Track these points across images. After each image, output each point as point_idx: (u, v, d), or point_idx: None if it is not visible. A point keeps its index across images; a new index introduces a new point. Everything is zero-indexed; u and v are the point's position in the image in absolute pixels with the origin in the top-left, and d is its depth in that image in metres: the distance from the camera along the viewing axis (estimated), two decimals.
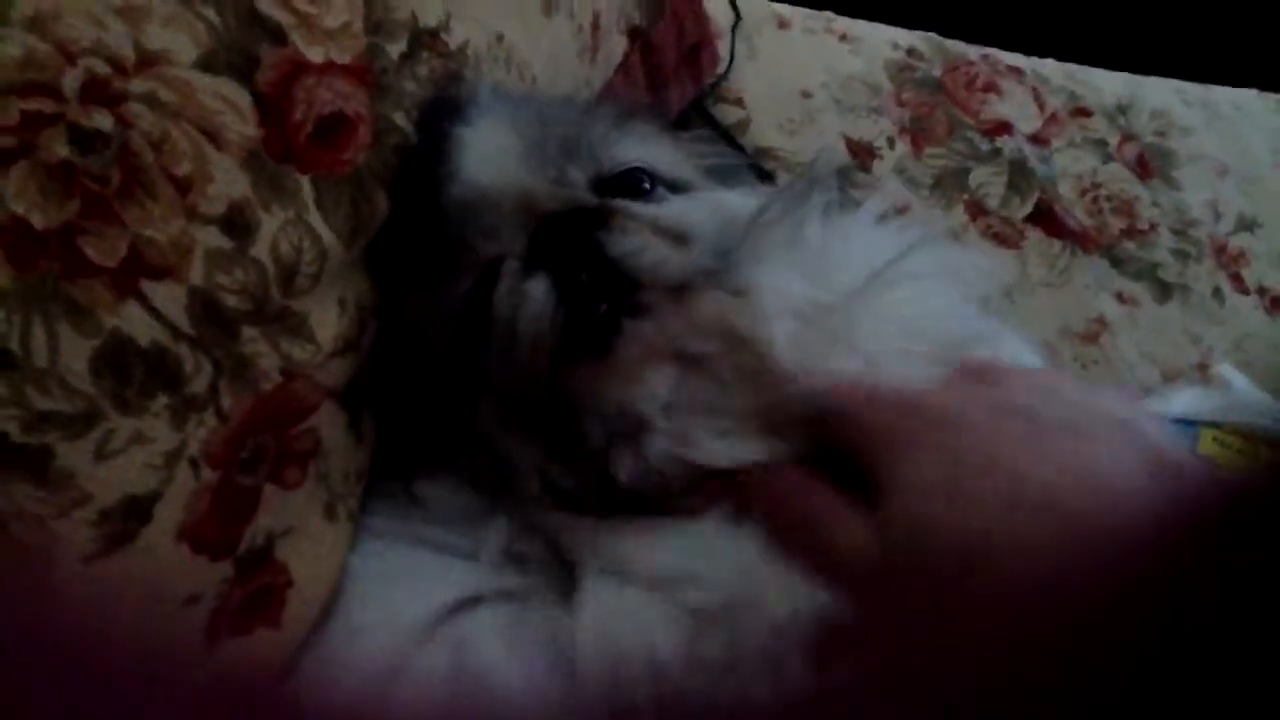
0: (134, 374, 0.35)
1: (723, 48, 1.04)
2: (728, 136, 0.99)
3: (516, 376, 0.45)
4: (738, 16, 1.07)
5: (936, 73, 1.12)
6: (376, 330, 0.47)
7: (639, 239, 0.45)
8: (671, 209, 0.49)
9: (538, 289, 0.44)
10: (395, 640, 0.42)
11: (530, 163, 0.48)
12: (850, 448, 0.43)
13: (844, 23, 1.13)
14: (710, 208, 0.51)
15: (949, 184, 1.07)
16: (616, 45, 0.82)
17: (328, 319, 0.42)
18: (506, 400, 0.46)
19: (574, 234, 0.45)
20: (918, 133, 1.08)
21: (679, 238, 0.46)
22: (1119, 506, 0.37)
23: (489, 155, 0.48)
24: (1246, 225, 1.16)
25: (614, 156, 0.51)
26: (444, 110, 0.49)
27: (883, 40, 1.13)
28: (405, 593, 0.45)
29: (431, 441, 0.49)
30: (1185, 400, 0.79)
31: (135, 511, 0.35)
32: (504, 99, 0.51)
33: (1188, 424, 0.72)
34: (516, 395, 0.45)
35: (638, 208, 0.48)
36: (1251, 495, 0.25)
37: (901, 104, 1.09)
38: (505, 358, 0.45)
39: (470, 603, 0.44)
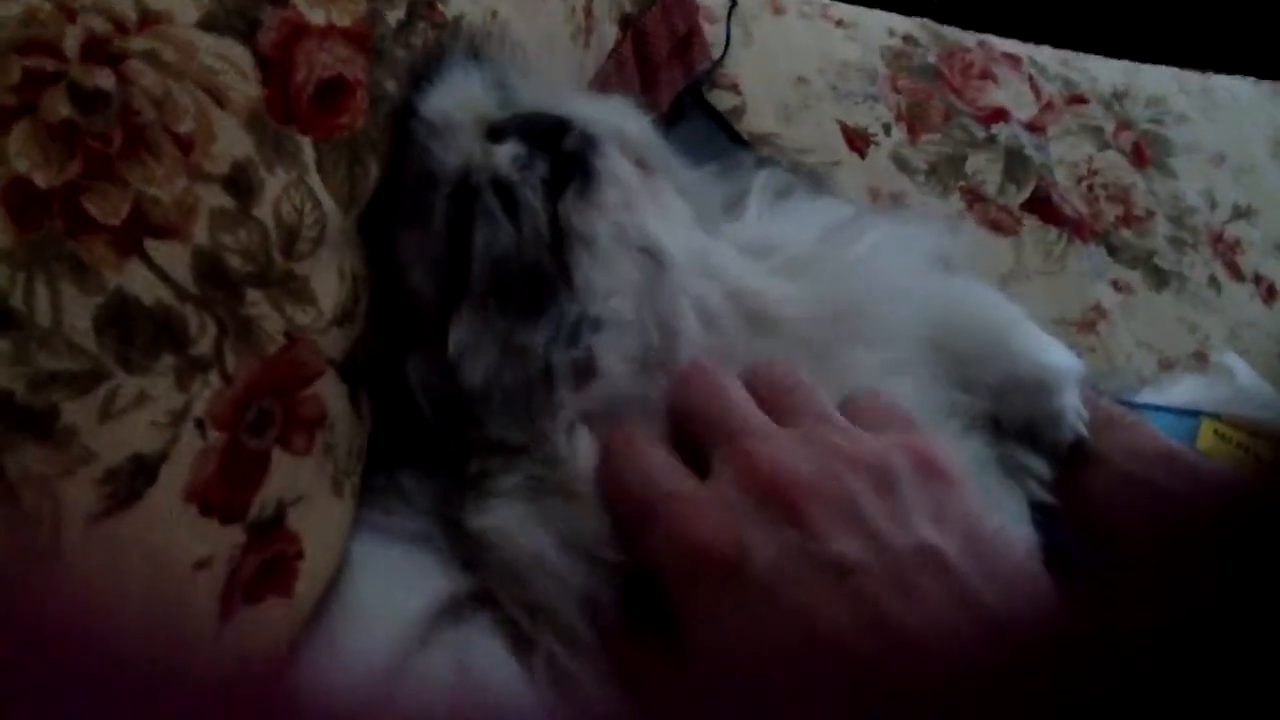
0: (138, 333, 0.35)
1: (718, 33, 1.03)
2: (724, 123, 0.99)
3: (517, 234, 0.46)
4: (733, 2, 1.06)
5: (932, 59, 1.12)
6: (369, 303, 0.47)
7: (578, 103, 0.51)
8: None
9: (510, 152, 0.47)
10: (391, 638, 0.42)
11: (483, 96, 0.51)
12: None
13: (840, 8, 1.13)
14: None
15: (945, 171, 1.07)
16: (609, 31, 0.82)
17: (329, 285, 0.42)
18: (509, 282, 0.46)
19: (521, 115, 0.49)
20: (914, 119, 1.08)
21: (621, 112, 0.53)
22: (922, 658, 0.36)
23: (452, 92, 0.49)
24: (1243, 214, 1.16)
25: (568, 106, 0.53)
26: (423, 74, 0.50)
27: (879, 26, 1.13)
28: (397, 588, 0.44)
29: (414, 417, 0.48)
30: (1184, 389, 0.79)
31: (141, 471, 0.35)
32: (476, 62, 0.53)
33: (1188, 415, 0.71)
34: (515, 258, 0.46)
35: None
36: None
37: (897, 90, 1.09)
38: (498, 225, 0.46)
39: (463, 601, 0.44)
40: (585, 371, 0.46)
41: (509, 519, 0.44)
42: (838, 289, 0.50)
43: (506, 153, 0.48)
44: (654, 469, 0.42)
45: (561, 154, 0.48)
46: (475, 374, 0.46)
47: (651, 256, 0.48)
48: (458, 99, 0.49)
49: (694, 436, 0.44)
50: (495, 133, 0.49)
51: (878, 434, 0.43)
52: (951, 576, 0.38)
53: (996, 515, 0.43)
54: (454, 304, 0.47)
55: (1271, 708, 0.20)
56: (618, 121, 0.52)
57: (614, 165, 0.49)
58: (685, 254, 0.48)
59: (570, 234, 0.47)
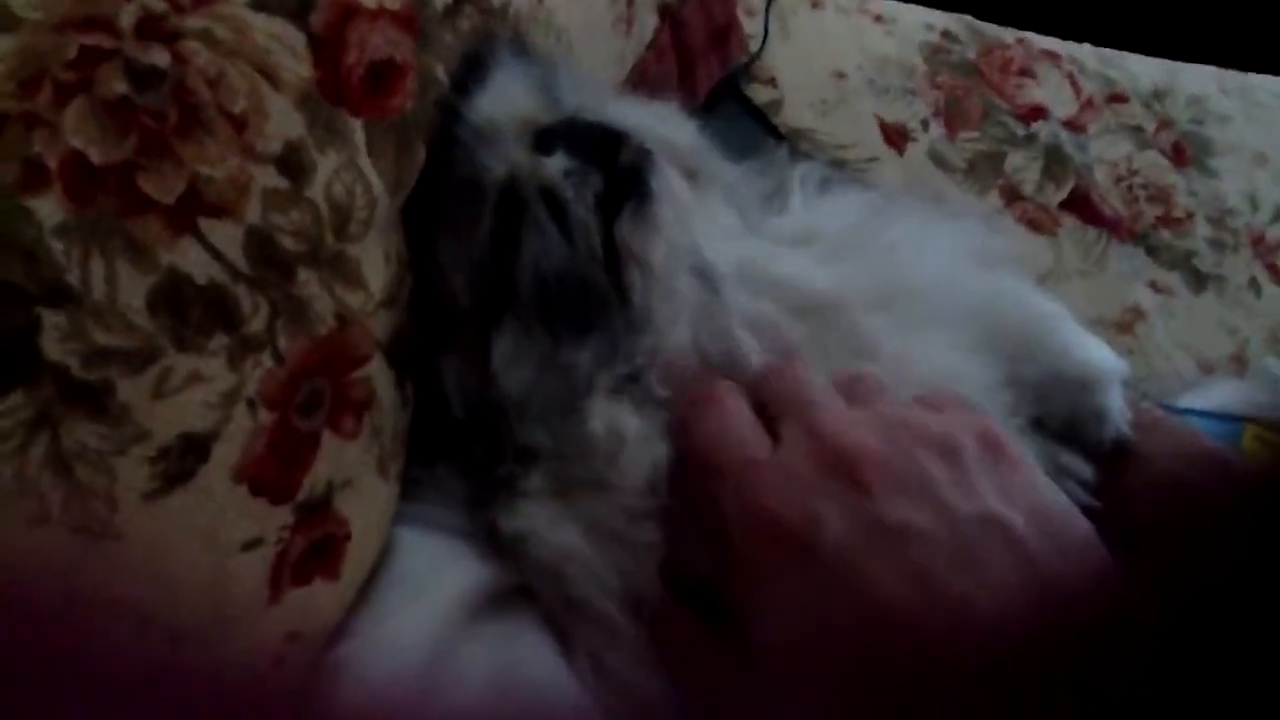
0: (192, 312, 0.35)
1: (756, 26, 1.03)
2: (761, 116, 0.99)
3: (569, 250, 0.45)
4: None
5: (971, 56, 1.11)
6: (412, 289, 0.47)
7: (626, 111, 0.50)
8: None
9: (561, 164, 0.46)
10: (435, 618, 0.42)
11: (526, 98, 0.50)
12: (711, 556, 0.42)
13: (878, 4, 1.12)
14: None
15: (984, 168, 1.06)
16: (649, 21, 0.82)
17: (377, 268, 0.42)
18: (558, 298, 0.45)
19: (569, 122, 0.48)
20: (952, 116, 1.07)
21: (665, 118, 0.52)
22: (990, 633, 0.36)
23: (498, 94, 0.49)
24: None
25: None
26: (467, 73, 0.49)
27: (917, 22, 1.12)
28: (440, 570, 0.44)
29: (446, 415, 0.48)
30: (1224, 392, 0.78)
31: (193, 449, 0.35)
32: (520, 59, 0.52)
33: (1231, 419, 0.70)
34: (565, 275, 0.45)
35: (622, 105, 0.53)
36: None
37: (936, 87, 1.08)
38: (549, 239, 0.45)
39: (505, 595, 0.44)
40: (634, 390, 0.45)
41: (539, 519, 0.44)
42: (882, 268, 0.50)
43: (557, 164, 0.47)
44: (732, 428, 0.43)
45: (616, 169, 0.47)
46: (515, 385, 0.45)
47: (704, 276, 0.47)
48: (503, 102, 0.48)
49: (764, 406, 0.44)
50: (544, 140, 0.48)
51: (944, 415, 0.43)
52: (1018, 547, 0.38)
53: (1059, 493, 0.43)
54: (496, 313, 0.46)
55: None
56: (666, 131, 0.52)
57: (669, 182, 0.48)
58: (736, 266, 0.48)
59: (625, 254, 0.46)
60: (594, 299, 0.45)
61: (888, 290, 0.49)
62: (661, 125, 0.52)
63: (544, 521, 0.43)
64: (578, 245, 0.45)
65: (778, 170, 0.58)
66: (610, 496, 0.44)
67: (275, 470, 0.38)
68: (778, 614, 0.38)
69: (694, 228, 0.48)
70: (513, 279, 0.45)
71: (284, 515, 0.38)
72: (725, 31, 0.98)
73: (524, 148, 0.47)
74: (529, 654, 0.43)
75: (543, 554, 0.43)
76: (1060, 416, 0.53)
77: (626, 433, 0.44)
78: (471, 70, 0.48)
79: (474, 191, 0.47)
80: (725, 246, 0.49)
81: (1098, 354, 0.55)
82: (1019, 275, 0.59)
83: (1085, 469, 0.52)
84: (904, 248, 0.52)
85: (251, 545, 0.37)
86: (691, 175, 0.50)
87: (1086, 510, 0.51)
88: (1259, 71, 1.25)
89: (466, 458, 0.47)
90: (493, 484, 0.45)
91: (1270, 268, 1.11)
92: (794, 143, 0.98)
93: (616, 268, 0.46)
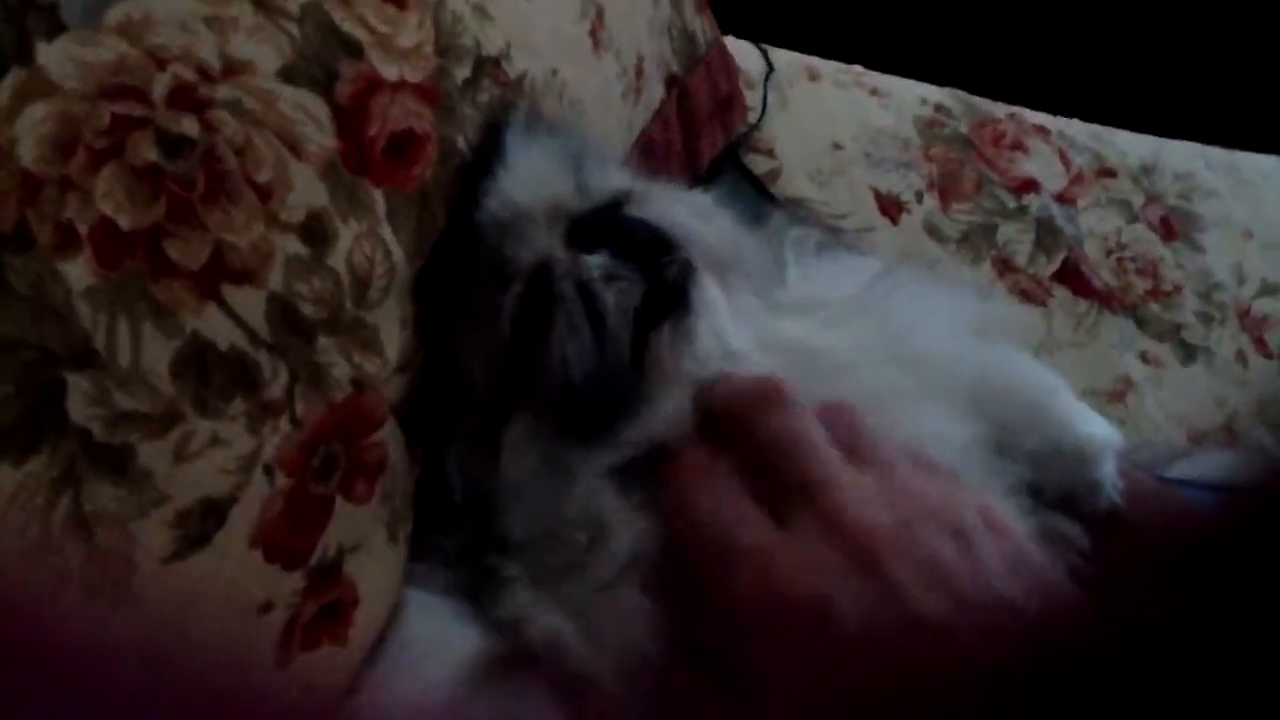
0: (213, 377, 0.35)
1: (755, 98, 1.05)
2: (759, 185, 1.00)
3: (600, 356, 0.45)
4: (770, 67, 1.08)
5: (964, 129, 1.14)
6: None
7: (666, 208, 0.49)
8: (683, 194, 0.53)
9: (608, 265, 0.45)
10: (445, 678, 0.42)
11: (551, 180, 0.49)
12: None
13: (874, 77, 1.14)
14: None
15: (977, 239, 1.07)
16: (655, 91, 0.84)
17: (394, 334, 0.43)
18: (579, 401, 0.45)
19: (609, 216, 0.47)
20: (946, 188, 1.09)
21: (698, 210, 0.51)
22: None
23: (523, 178, 0.48)
24: (1270, 290, 1.17)
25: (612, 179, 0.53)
26: (487, 146, 0.50)
27: (912, 95, 1.14)
28: (448, 631, 0.44)
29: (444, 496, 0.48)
30: (1215, 463, 0.78)
31: (211, 514, 0.35)
32: (538, 132, 0.52)
33: (1221, 490, 0.71)
34: (593, 381, 0.45)
35: (654, 188, 0.52)
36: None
37: (930, 159, 1.10)
38: (584, 338, 0.45)
39: (510, 658, 0.44)
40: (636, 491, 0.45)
41: (525, 605, 0.44)
42: (885, 334, 0.50)
43: (596, 265, 0.46)
44: (732, 515, 0.42)
45: (660, 281, 0.46)
46: (516, 474, 0.45)
47: (727, 360, 0.47)
48: (529, 184, 0.48)
49: (772, 473, 0.43)
50: (582, 233, 0.47)
51: (940, 482, 0.43)
52: (1021, 624, 0.38)
53: (1048, 558, 0.43)
54: (512, 403, 0.46)
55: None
56: (702, 225, 0.51)
57: (708, 296, 0.48)
58: (752, 342, 0.48)
59: (656, 367, 0.46)
60: (616, 409, 0.45)
61: (890, 355, 0.50)
62: (697, 220, 0.51)
63: (530, 608, 0.44)
64: (610, 355, 0.45)
65: (777, 238, 0.59)
66: (589, 575, 0.44)
67: (290, 536, 0.38)
68: (788, 684, 0.39)
69: (724, 327, 0.48)
70: (535, 373, 0.45)
71: (296, 580, 0.38)
72: (729, 101, 0.99)
73: (557, 237, 0.47)
74: (534, 716, 0.43)
75: (534, 636, 0.43)
76: (1056, 486, 0.53)
77: (607, 517, 0.44)
78: (491, 144, 0.48)
79: (498, 277, 0.46)
80: (745, 329, 0.49)
81: (1094, 427, 0.55)
82: (1015, 345, 0.60)
83: (1082, 537, 0.53)
84: (906, 315, 0.53)
85: (264, 609, 0.37)
86: (724, 269, 0.50)
87: (1078, 574, 0.52)
88: (1243, 148, 1.28)
89: (452, 547, 0.47)
90: (478, 573, 0.45)
91: (1257, 341, 1.13)
92: (792, 211, 0.99)
93: (642, 375, 0.46)
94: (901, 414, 0.48)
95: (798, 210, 1.00)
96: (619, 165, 0.56)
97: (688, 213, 0.51)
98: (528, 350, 0.45)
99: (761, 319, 0.51)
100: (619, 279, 0.45)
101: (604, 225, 0.47)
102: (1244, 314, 1.14)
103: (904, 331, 0.51)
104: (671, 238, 0.47)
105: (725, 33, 1.04)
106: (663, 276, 0.46)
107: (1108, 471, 0.54)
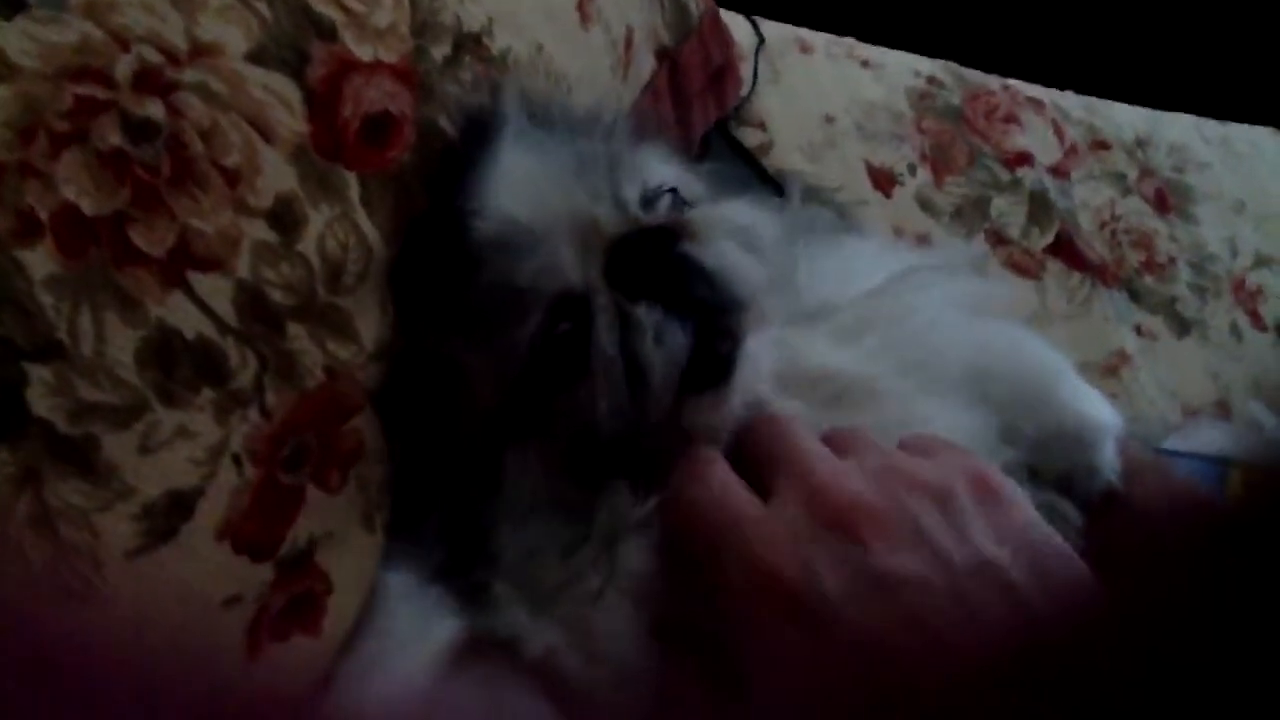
0: (179, 366, 0.35)
1: (746, 71, 1.04)
2: (750, 158, 0.99)
3: (636, 412, 0.43)
4: (761, 40, 1.07)
5: (957, 101, 1.12)
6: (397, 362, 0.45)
7: (722, 246, 0.44)
8: (731, 210, 0.47)
9: (659, 322, 0.42)
10: (424, 664, 0.42)
11: (569, 189, 0.45)
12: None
13: (866, 49, 1.13)
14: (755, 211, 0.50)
15: (970, 213, 1.06)
16: (645, 64, 0.82)
17: (370, 320, 0.42)
18: (584, 443, 0.44)
19: (659, 253, 0.43)
20: (939, 161, 1.08)
21: (748, 242, 0.45)
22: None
23: (519, 186, 0.44)
24: (1264, 262, 1.16)
25: (652, 175, 0.49)
26: (472, 134, 0.47)
27: (904, 68, 1.13)
28: (428, 615, 0.44)
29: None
30: (1209, 436, 0.78)
31: (177, 507, 0.35)
32: (530, 119, 0.48)
33: (1216, 461, 0.71)
34: (624, 433, 0.43)
35: (706, 213, 0.47)
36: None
37: (923, 131, 1.09)
38: (620, 395, 0.42)
39: (487, 643, 0.44)
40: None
41: (519, 624, 0.43)
42: (897, 342, 0.50)
43: (647, 321, 0.42)
44: (722, 490, 0.42)
45: (709, 348, 0.43)
46: (519, 496, 0.45)
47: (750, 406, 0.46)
48: (532, 194, 0.44)
49: (756, 464, 0.44)
50: (623, 270, 0.43)
51: (933, 460, 0.43)
52: (1011, 591, 0.38)
53: (1050, 531, 0.43)
54: (519, 426, 0.45)
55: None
56: (752, 264, 0.46)
57: (753, 359, 0.45)
58: (773, 373, 0.48)
59: (689, 430, 0.44)
60: (636, 463, 0.44)
61: (904, 362, 0.50)
62: (749, 249, 0.46)
63: (524, 627, 0.43)
64: (645, 414, 0.43)
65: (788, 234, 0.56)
66: (583, 590, 0.43)
67: (258, 527, 0.37)
68: (778, 664, 0.39)
69: (757, 380, 0.47)
70: (553, 410, 0.44)
71: (264, 572, 0.38)
72: (722, 73, 0.98)
73: (594, 266, 0.43)
74: (515, 697, 0.43)
75: (533, 652, 0.43)
76: (1056, 467, 0.53)
77: (619, 543, 0.44)
78: (480, 139, 0.46)
79: (512, 297, 0.43)
80: (766, 362, 0.47)
81: (1097, 411, 0.55)
82: (1015, 323, 0.60)
83: (1077, 516, 0.53)
84: (916, 316, 0.52)
85: (231, 602, 0.36)
86: (764, 297, 0.46)
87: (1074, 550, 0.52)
88: (1237, 121, 1.27)
89: (436, 559, 0.46)
90: (466, 589, 0.45)
91: (1251, 313, 1.12)
92: (784, 184, 0.98)
93: (670, 433, 0.44)
94: (913, 418, 0.48)
95: (792, 181, 0.99)
96: (658, 156, 0.51)
97: (742, 242, 0.45)
98: (547, 383, 0.44)
99: (781, 341, 0.49)
100: (667, 340, 0.42)
101: (653, 266, 0.43)
102: (1238, 286, 1.13)
103: (915, 334, 0.51)
104: (728, 298, 0.44)
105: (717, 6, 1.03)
106: (715, 347, 0.43)
107: (1107, 455, 0.54)
